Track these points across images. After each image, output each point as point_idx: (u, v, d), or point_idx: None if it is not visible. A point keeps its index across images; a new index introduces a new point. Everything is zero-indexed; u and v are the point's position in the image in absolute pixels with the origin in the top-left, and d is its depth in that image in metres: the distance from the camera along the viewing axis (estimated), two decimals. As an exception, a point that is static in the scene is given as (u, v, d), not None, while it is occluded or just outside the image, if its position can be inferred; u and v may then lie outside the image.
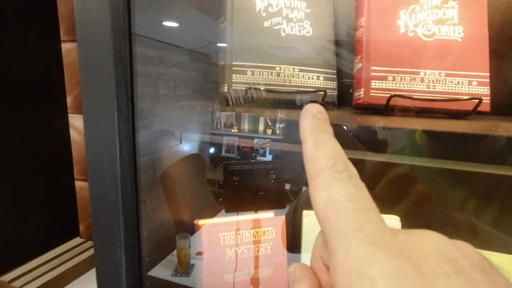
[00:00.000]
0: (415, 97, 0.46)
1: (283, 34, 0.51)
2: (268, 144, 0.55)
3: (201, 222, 0.54)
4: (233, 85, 0.48)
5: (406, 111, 0.47)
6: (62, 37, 1.01)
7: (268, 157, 0.55)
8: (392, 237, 0.14)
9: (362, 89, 0.47)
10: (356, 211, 0.14)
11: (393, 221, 0.51)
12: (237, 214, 0.73)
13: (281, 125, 0.56)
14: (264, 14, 0.51)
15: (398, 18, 0.48)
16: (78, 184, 1.12)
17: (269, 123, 0.54)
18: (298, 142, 0.19)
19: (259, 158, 0.60)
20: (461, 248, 0.15)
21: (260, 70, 0.49)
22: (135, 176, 0.44)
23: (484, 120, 0.44)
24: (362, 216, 0.14)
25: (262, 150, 0.54)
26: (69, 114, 1.08)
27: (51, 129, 1.03)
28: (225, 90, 0.48)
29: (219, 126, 0.49)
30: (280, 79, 0.50)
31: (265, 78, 0.49)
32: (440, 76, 0.47)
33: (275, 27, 0.51)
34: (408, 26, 0.48)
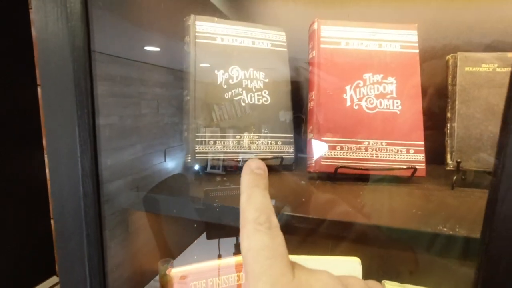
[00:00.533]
0: (359, 166, 0.51)
1: (243, 104, 0.56)
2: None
3: (173, 271, 0.56)
4: (196, 155, 0.52)
5: (352, 178, 0.52)
6: (39, 81, 1.03)
7: (272, 156, 0.57)
8: (290, 279, 0.18)
9: (313, 158, 0.52)
10: (266, 258, 0.18)
11: (353, 263, 0.55)
12: (218, 240, 0.75)
13: (284, 125, 0.59)
14: (225, 86, 0.55)
15: (345, 92, 0.54)
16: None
17: (254, 139, 0.57)
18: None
19: (254, 150, 0.59)
20: (348, 285, 0.19)
21: (221, 139, 0.54)
22: (99, 212, 0.45)
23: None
24: (269, 262, 0.18)
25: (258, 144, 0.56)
26: (45, 154, 1.09)
27: (28, 168, 1.04)
28: (189, 160, 0.52)
29: (203, 142, 0.52)
30: (240, 147, 0.54)
31: (226, 147, 0.54)
32: (382, 145, 0.52)
33: (236, 98, 0.55)
34: (353, 99, 0.53)
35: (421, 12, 0.65)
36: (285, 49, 0.61)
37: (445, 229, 0.33)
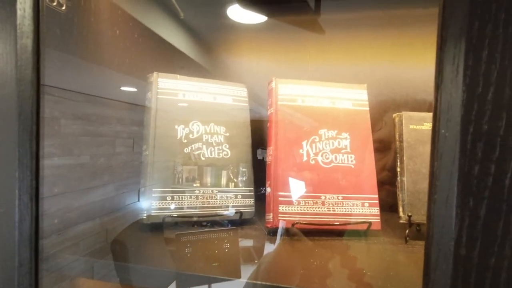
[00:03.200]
0: (317, 221, 0.51)
1: (203, 158, 0.56)
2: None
3: None
4: (153, 211, 0.51)
5: (310, 233, 0.52)
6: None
7: (231, 211, 0.55)
8: None
9: (271, 213, 0.52)
10: None
11: None
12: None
13: (244, 178, 0.58)
14: (185, 141, 0.56)
15: (301, 147, 0.56)
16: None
17: (232, 176, 0.56)
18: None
19: (220, 211, 0.57)
20: None
21: (179, 194, 0.53)
22: (36, 258, 0.40)
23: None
24: None
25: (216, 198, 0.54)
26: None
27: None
28: (144, 217, 0.50)
29: (180, 180, 0.50)
30: (199, 202, 0.54)
31: (184, 202, 0.53)
32: (338, 199, 0.54)
33: (196, 152, 0.56)
34: (310, 154, 0.55)
35: (372, 71, 0.71)
36: (247, 104, 0.63)
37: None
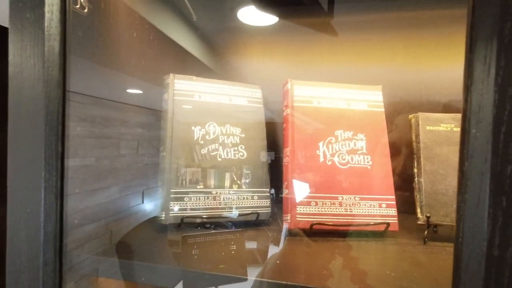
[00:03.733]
0: (334, 221, 0.51)
1: (219, 159, 0.56)
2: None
3: None
4: (171, 212, 0.51)
5: (328, 233, 0.52)
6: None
7: (235, 213, 0.55)
8: None
9: (289, 214, 0.52)
10: None
11: None
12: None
13: (247, 180, 0.58)
14: (201, 142, 0.56)
15: (318, 148, 0.56)
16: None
17: (235, 178, 0.56)
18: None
19: (225, 214, 0.57)
20: None
21: (197, 195, 0.53)
22: (60, 253, 0.40)
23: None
24: None
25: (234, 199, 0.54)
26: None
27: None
28: (162, 218, 0.51)
29: (184, 183, 0.50)
30: (216, 202, 0.54)
31: (202, 203, 0.53)
32: (355, 200, 0.54)
33: (212, 153, 0.56)
34: (326, 155, 0.55)
35: (384, 73, 0.71)
36: (261, 105, 0.64)
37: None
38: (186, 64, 0.82)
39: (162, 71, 0.65)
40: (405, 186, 0.61)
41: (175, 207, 0.51)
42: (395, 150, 0.63)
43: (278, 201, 0.62)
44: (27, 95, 0.37)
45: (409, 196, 0.56)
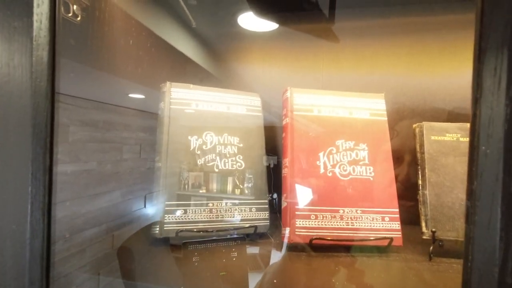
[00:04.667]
0: (335, 236, 0.49)
1: (216, 170, 0.55)
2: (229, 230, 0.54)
3: None
4: (165, 226, 0.49)
5: (328, 249, 0.50)
6: None
7: (237, 218, 0.53)
8: None
9: (288, 228, 0.50)
10: None
11: None
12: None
13: (250, 185, 0.56)
14: (198, 152, 0.54)
15: (318, 159, 0.54)
16: None
17: (238, 183, 0.55)
18: None
19: (227, 219, 0.56)
20: None
21: (192, 208, 0.51)
22: (47, 264, 0.38)
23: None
24: None
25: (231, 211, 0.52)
26: None
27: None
28: (156, 232, 0.49)
29: (186, 187, 0.48)
30: (213, 216, 0.52)
31: (198, 216, 0.51)
32: (357, 213, 0.51)
33: (209, 164, 0.54)
34: (327, 166, 0.53)
35: (386, 80, 0.69)
36: (260, 114, 0.62)
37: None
38: (186, 70, 0.81)
39: (161, 77, 0.63)
40: (409, 196, 0.58)
41: (170, 221, 0.50)
42: (398, 159, 0.61)
43: (280, 207, 0.60)
44: (14, 106, 0.36)
45: (413, 206, 0.54)
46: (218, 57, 0.86)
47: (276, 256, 0.49)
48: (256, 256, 0.49)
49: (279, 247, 0.51)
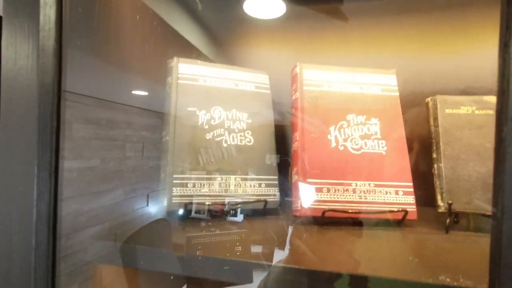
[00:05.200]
0: (348, 209, 0.48)
1: (224, 145, 0.53)
2: (239, 205, 0.53)
3: None
4: (173, 199, 0.48)
5: (340, 223, 0.48)
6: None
7: (240, 217, 0.52)
8: None
9: (299, 201, 0.48)
10: None
11: None
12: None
13: (259, 161, 0.55)
14: (206, 127, 0.53)
15: (329, 133, 0.53)
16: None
17: (240, 182, 0.53)
18: None
19: (229, 218, 0.55)
20: None
21: (201, 181, 0.50)
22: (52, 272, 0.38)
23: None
24: None
25: (233, 210, 0.51)
26: None
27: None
28: (165, 204, 0.48)
29: (194, 161, 0.47)
30: (222, 190, 0.51)
31: (206, 190, 0.50)
32: (370, 186, 0.50)
33: (217, 139, 0.53)
34: (338, 140, 0.52)
35: (399, 58, 0.68)
36: (269, 91, 0.61)
37: (448, 280, 0.30)
38: (191, 56, 0.80)
39: (165, 63, 0.62)
40: (420, 180, 0.57)
41: (178, 193, 0.48)
42: (411, 135, 0.59)
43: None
44: (21, 93, 0.35)
45: (425, 189, 0.52)
46: (223, 44, 0.86)
47: (288, 230, 0.47)
48: (269, 230, 0.48)
49: (290, 221, 0.50)
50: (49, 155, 0.36)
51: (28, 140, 0.36)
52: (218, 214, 0.51)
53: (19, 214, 0.36)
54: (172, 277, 0.78)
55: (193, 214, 0.49)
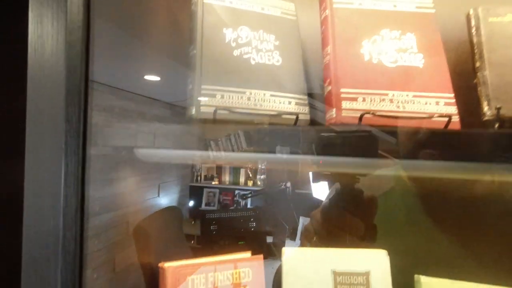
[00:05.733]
0: (387, 114, 0.45)
1: (252, 62, 0.52)
2: (249, 195, 0.51)
3: (166, 264, 0.47)
4: (202, 107, 0.46)
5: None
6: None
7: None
8: None
9: (334, 109, 0.46)
10: None
11: (380, 255, 0.46)
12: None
13: (262, 176, 0.53)
14: (233, 44, 0.52)
15: (362, 47, 0.50)
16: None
17: (250, 175, 0.51)
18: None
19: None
20: None
21: (229, 93, 0.48)
22: (81, 239, 0.37)
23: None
24: None
25: (243, 202, 0.49)
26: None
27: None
28: (193, 113, 0.46)
29: (199, 178, 0.46)
30: (251, 103, 0.49)
31: (235, 102, 0.48)
32: (408, 97, 0.47)
33: (245, 56, 0.52)
34: (372, 54, 0.50)
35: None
36: (295, 18, 0.59)
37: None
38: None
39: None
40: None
41: (206, 103, 0.47)
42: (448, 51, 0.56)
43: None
44: (47, 71, 0.35)
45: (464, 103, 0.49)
46: None
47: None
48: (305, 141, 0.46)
49: (325, 131, 0.47)
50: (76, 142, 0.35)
51: (55, 127, 0.35)
52: (228, 203, 0.50)
53: (49, 196, 0.36)
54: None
55: (203, 206, 0.47)
